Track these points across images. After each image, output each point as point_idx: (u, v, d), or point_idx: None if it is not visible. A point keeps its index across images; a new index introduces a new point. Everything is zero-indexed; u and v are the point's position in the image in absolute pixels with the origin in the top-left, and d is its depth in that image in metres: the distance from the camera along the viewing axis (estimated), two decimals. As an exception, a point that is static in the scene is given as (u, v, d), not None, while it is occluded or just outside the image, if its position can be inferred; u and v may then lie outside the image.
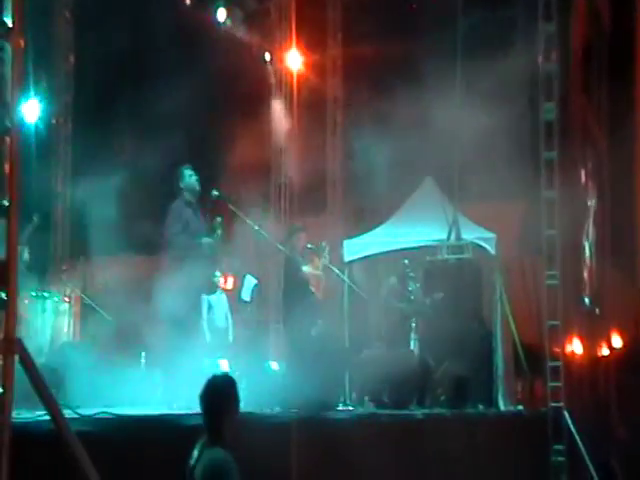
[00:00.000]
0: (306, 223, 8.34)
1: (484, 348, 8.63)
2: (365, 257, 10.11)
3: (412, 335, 9.21)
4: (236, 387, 3.88)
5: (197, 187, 6.63)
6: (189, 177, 6.59)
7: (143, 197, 9.88)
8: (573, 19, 9.08)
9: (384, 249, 9.96)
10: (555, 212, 7.98)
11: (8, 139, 3.67)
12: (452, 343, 8.13)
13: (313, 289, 7.67)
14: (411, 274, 9.08)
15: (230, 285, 10.06)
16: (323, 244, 8.01)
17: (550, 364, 7.75)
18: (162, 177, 7.17)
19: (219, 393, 3.81)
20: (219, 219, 6.60)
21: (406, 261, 9.13)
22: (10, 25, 3.70)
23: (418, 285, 9.15)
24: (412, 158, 10.01)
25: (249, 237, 7.98)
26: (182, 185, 6.59)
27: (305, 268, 7.62)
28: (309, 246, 7.81)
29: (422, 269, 9.46)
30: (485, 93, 8.85)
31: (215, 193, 6.75)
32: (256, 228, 6.94)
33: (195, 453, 3.72)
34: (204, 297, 8.22)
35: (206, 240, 6.54)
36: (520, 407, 8.59)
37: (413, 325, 9.17)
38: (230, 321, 9.36)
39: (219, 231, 6.60)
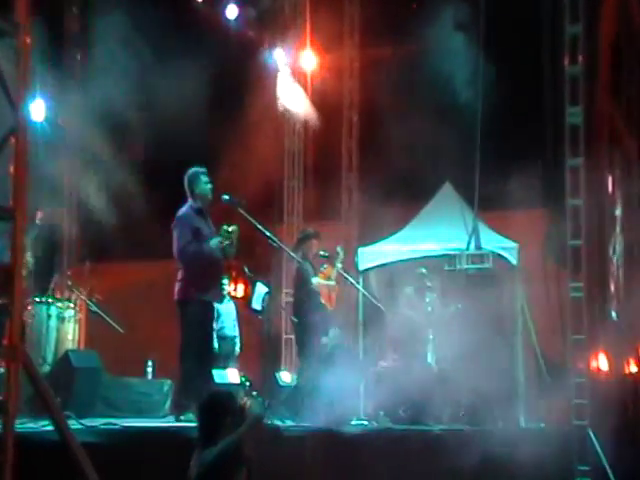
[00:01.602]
0: (319, 229, 8.28)
1: (505, 362, 8.64)
2: (380, 265, 10.12)
3: (429, 347, 9.22)
4: (234, 402, 4.04)
5: (210, 196, 6.58)
6: (204, 184, 6.51)
7: (154, 200, 9.87)
8: (601, 20, 8.99)
9: (400, 257, 9.96)
10: (580, 221, 7.86)
11: (14, 139, 3.65)
12: (471, 356, 8.08)
13: (323, 300, 7.61)
14: (428, 284, 9.13)
15: (240, 293, 10.20)
16: (338, 250, 7.90)
17: (574, 380, 7.65)
18: (174, 179, 7.10)
19: (216, 408, 3.95)
20: (234, 227, 6.52)
21: (423, 270, 9.19)
22: (17, 22, 3.71)
23: (435, 295, 9.19)
24: (431, 162, 10.02)
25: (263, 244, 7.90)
26: (196, 191, 6.52)
27: (315, 280, 7.56)
28: (321, 253, 7.75)
29: (440, 279, 9.51)
30: (506, 95, 8.82)
31: (225, 197, 6.67)
32: (268, 234, 6.86)
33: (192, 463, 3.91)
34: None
35: (214, 241, 6.44)
36: (542, 425, 8.52)
37: (430, 337, 9.17)
38: (238, 330, 9.37)
39: (230, 238, 6.48)
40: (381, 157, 10.49)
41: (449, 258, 9.36)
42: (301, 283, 7.57)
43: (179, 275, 6.41)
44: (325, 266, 7.80)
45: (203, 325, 6.49)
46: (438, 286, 9.41)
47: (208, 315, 6.54)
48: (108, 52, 9.27)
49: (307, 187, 11.44)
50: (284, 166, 11.57)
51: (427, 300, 9.09)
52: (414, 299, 9.08)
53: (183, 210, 6.51)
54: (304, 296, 7.53)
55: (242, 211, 6.61)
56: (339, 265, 7.77)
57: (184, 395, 6.36)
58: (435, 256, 9.64)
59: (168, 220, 6.80)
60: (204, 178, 6.56)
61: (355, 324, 10.04)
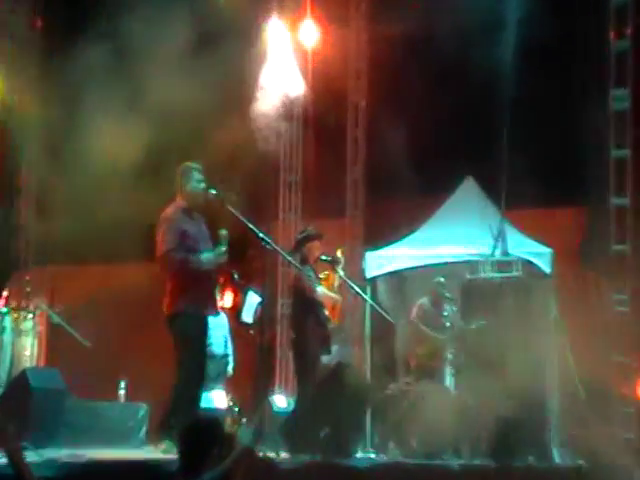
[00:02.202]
0: (320, 228, 8.20)
1: (536, 386, 8.58)
2: (391, 273, 10.12)
3: (447, 369, 9.23)
4: (221, 429, 4.05)
5: (202, 197, 6.51)
6: (197, 182, 6.49)
7: (125, 195, 9.76)
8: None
9: (414, 264, 9.98)
10: (626, 222, 7.75)
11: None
12: (496, 379, 8.06)
13: (327, 312, 7.56)
14: (447, 295, 9.07)
15: (229, 302, 10.09)
16: (339, 253, 7.87)
17: (620, 410, 7.54)
18: (149, 172, 6.97)
19: (199, 437, 3.94)
20: (224, 232, 6.49)
21: (441, 279, 9.14)
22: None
23: (455, 308, 9.16)
24: (450, 154, 9.98)
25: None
26: (186, 189, 6.49)
27: (319, 289, 7.51)
28: (323, 257, 7.67)
29: (461, 289, 9.50)
30: (538, 75, 8.81)
31: (212, 191, 6.56)
32: (260, 235, 6.79)
33: None
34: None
35: (207, 256, 6.38)
36: (580, 462, 8.43)
37: (449, 356, 9.16)
38: (230, 347, 9.32)
39: (223, 247, 6.46)
40: (392, 147, 10.35)
41: (471, 265, 9.42)
42: (300, 292, 7.49)
43: (167, 287, 6.40)
44: (326, 272, 7.79)
45: (196, 342, 6.53)
46: (458, 297, 9.38)
47: (201, 331, 6.57)
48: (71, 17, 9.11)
49: (306, 180, 11.42)
50: (280, 156, 11.54)
51: (445, 314, 9.05)
52: (430, 312, 9.08)
53: (169, 209, 6.47)
54: (304, 308, 7.47)
55: (231, 208, 6.51)
56: (341, 271, 7.75)
57: (173, 417, 6.32)
58: (455, 262, 9.65)
59: (147, 217, 6.75)
60: (197, 175, 6.52)
61: (361, 341, 10.05)
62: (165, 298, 6.42)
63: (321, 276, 7.74)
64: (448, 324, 9.01)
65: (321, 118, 11.27)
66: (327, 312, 7.54)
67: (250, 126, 9.83)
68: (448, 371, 9.22)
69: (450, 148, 9.85)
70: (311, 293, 7.39)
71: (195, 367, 6.46)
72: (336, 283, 7.76)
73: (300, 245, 7.70)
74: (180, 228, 6.37)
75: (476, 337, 8.75)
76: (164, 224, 6.37)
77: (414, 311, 9.13)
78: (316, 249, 7.62)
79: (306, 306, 7.44)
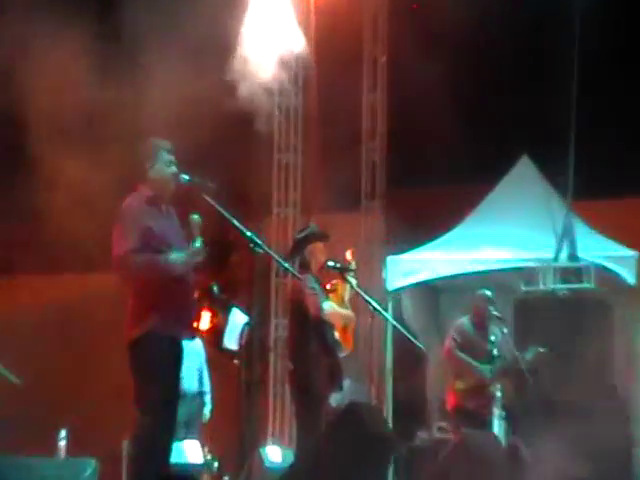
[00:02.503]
0: (327, 225, 8.23)
1: (618, 434, 8.48)
2: (421, 283, 10.15)
3: (496, 410, 9.10)
4: None
5: (172, 183, 6.33)
6: (166, 165, 6.34)
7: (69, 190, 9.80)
8: None
9: (451, 271, 10.01)
10: None
11: None
12: (563, 425, 8.00)
13: (337, 335, 7.54)
14: (495, 313, 8.95)
15: (206, 324, 10.07)
16: (349, 256, 7.83)
17: None
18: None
19: None
20: (196, 217, 6.28)
21: (487, 292, 9.06)
22: None
23: (506, 331, 8.98)
24: (497, 125, 10.11)
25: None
26: (152, 173, 6.34)
27: (327, 305, 7.48)
28: (330, 263, 7.59)
29: (513, 305, 9.46)
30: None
31: (184, 177, 6.36)
32: (248, 234, 6.58)
33: None
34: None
35: (177, 256, 6.21)
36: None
37: (498, 394, 9.06)
38: (207, 382, 9.31)
39: (198, 242, 6.28)
40: (420, 117, 10.33)
41: (527, 273, 9.45)
42: (301, 309, 7.43)
43: (130, 302, 6.30)
44: (334, 283, 7.76)
45: (166, 375, 6.36)
46: (511, 316, 9.29)
47: (174, 359, 6.44)
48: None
49: (308, 162, 11.23)
50: (273, 131, 11.35)
51: (492, 338, 8.94)
52: (472, 336, 9.03)
53: (130, 200, 6.40)
54: (306, 330, 7.42)
55: (208, 198, 6.33)
56: (354, 281, 7.69)
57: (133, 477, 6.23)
58: (505, 270, 9.69)
59: (99, 219, 6.78)
60: (166, 156, 6.41)
61: (381, 373, 10.07)
62: (126, 316, 6.28)
63: (328, 287, 7.74)
64: (496, 352, 8.94)
65: (328, 79, 11.15)
66: (337, 335, 7.54)
67: (232, 90, 9.85)
68: (497, 414, 9.10)
69: (499, 119, 10.03)
70: (315, 310, 7.35)
71: (164, 409, 6.26)
72: (347, 297, 7.74)
73: (300, 248, 7.70)
74: (144, 224, 6.25)
75: (534, 370, 8.72)
76: (123, 218, 6.29)
77: (451, 334, 9.09)
78: (320, 253, 7.65)
79: (309, 328, 7.41)
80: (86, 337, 6.93)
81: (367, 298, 7.79)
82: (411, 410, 9.64)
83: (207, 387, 9.24)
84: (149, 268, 6.20)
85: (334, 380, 7.42)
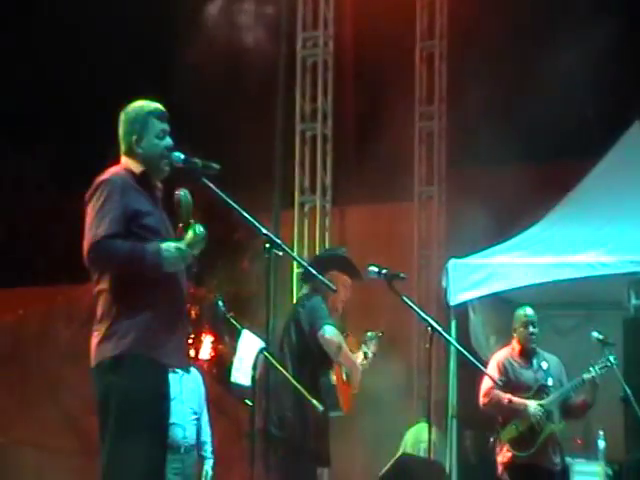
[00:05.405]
0: (370, 221, 7.98)
1: None
2: (493, 295, 9.53)
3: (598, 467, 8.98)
4: None
5: (165, 161, 5.88)
6: (157, 136, 5.96)
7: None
8: None
9: (533, 280, 9.25)
10: None
11: None
12: None
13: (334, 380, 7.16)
14: (600, 337, 8.38)
15: (207, 351, 9.35)
16: (369, 336, 7.46)
17: None
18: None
19: None
20: (183, 192, 5.91)
21: (528, 311, 8.46)
22: None
23: (615, 360, 8.35)
24: (594, 91, 9.84)
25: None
26: (141, 145, 5.93)
27: (330, 330, 6.99)
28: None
29: (622, 325, 9.01)
30: None
31: (179, 156, 5.88)
32: (264, 232, 5.84)
33: None
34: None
35: (171, 246, 5.73)
36: None
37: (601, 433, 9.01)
38: (207, 429, 8.56)
39: (194, 232, 5.76)
40: (489, 85, 10.12)
41: (636, 282, 8.95)
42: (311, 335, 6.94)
43: (98, 310, 5.77)
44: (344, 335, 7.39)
45: (149, 413, 5.75)
46: (620, 339, 8.74)
47: (159, 393, 5.84)
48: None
49: (341, 138, 10.25)
50: (296, 100, 10.65)
51: (599, 369, 8.18)
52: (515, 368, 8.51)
53: (111, 172, 5.99)
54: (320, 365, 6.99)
55: (210, 184, 5.85)
56: (370, 352, 7.44)
57: None
58: (607, 276, 8.94)
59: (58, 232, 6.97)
60: (158, 124, 6.00)
61: (442, 413, 9.53)
62: (94, 332, 5.80)
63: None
64: (550, 382, 8.32)
65: (368, 40, 10.79)
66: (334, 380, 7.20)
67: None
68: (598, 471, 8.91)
69: (594, 81, 9.83)
70: (336, 349, 6.99)
71: (146, 466, 5.61)
72: (360, 358, 7.35)
73: (321, 270, 6.96)
74: (129, 205, 5.80)
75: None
76: (101, 195, 5.85)
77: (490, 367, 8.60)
78: (343, 288, 7.20)
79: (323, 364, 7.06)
80: (35, 357, 6.65)
81: (422, 314, 6.98)
82: (484, 462, 8.70)
83: (207, 436, 8.45)
84: (132, 261, 5.68)
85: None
